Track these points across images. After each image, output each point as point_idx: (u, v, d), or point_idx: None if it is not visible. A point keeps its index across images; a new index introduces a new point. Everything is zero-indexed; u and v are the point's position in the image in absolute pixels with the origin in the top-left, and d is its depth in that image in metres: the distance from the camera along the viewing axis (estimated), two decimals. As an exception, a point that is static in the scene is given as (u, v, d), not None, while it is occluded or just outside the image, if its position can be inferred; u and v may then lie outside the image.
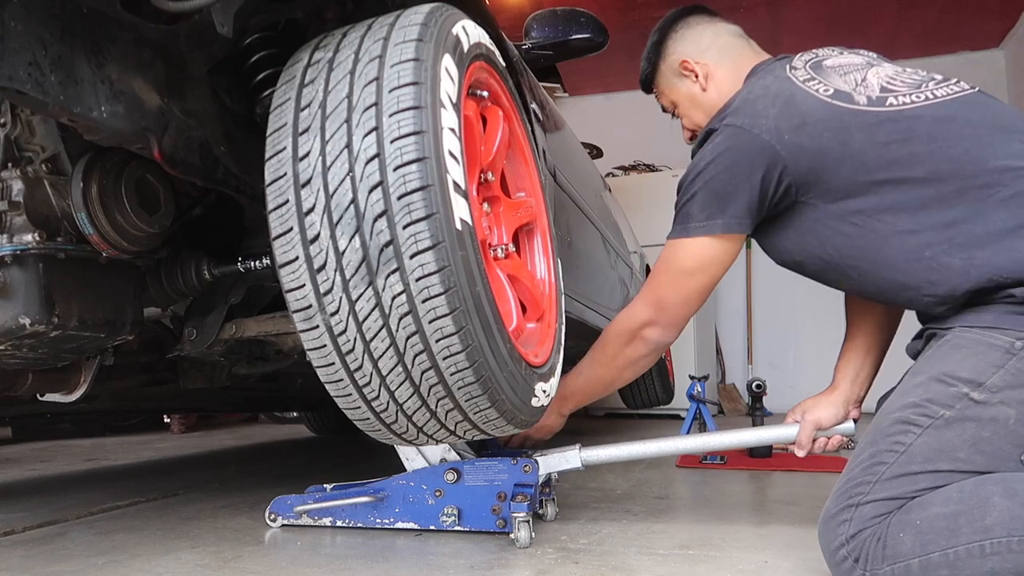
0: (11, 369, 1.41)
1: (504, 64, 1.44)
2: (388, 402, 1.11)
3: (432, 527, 1.47)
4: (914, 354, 1.27)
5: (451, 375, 1.06)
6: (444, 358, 1.04)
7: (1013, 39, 6.24)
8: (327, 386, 1.13)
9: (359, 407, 1.13)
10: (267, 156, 1.07)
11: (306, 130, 1.06)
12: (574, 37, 2.32)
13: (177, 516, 1.79)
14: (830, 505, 1.15)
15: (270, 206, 1.06)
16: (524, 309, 1.42)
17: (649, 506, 1.80)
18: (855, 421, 1.49)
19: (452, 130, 1.07)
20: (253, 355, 1.76)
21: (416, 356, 1.05)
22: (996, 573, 0.99)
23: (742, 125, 1.28)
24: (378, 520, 1.51)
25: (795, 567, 1.26)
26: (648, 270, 4.31)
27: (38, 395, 1.60)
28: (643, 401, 4.27)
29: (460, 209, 1.04)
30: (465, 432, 1.20)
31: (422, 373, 1.06)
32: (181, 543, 1.49)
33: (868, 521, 1.08)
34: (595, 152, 5.81)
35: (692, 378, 3.50)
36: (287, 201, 1.04)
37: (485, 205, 1.32)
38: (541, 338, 1.40)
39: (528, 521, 1.39)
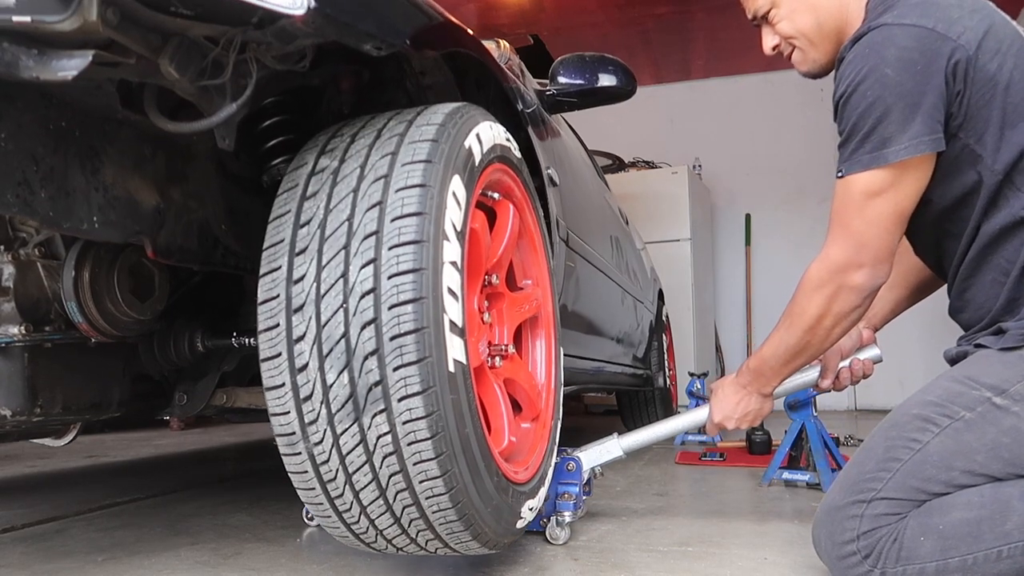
0: (-3, 431, 1.40)
1: (519, 156, 1.39)
2: (368, 527, 1.09)
3: None
4: (950, 361, 1.25)
5: (433, 512, 1.03)
6: (427, 497, 1.01)
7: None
8: (305, 502, 1.10)
9: (337, 527, 1.11)
10: (261, 272, 1.03)
11: (303, 251, 1.02)
12: (601, 85, 2.25)
13: (177, 513, 1.79)
14: (837, 496, 1.11)
15: (260, 326, 1.02)
16: (519, 403, 1.39)
17: (648, 503, 1.80)
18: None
19: (454, 263, 1.03)
20: (247, 411, 1.74)
21: (398, 493, 1.02)
22: (1004, 574, 1.00)
23: (934, 27, 1.11)
24: None
25: (794, 564, 1.25)
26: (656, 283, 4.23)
27: (28, 440, 1.59)
28: (643, 425, 4.23)
29: (455, 350, 1.00)
30: (444, 554, 1.17)
31: (404, 507, 1.04)
32: (181, 540, 1.49)
33: (881, 519, 1.07)
34: (615, 163, 5.71)
35: (692, 375, 3.47)
36: (278, 325, 1.01)
37: (486, 315, 1.27)
38: (534, 442, 1.36)
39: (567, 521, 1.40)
